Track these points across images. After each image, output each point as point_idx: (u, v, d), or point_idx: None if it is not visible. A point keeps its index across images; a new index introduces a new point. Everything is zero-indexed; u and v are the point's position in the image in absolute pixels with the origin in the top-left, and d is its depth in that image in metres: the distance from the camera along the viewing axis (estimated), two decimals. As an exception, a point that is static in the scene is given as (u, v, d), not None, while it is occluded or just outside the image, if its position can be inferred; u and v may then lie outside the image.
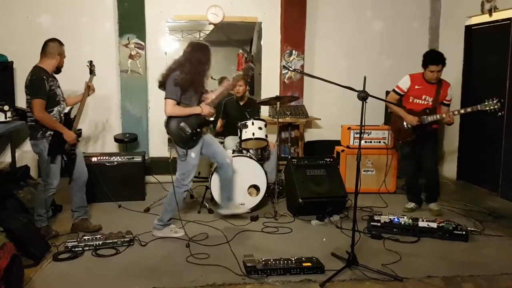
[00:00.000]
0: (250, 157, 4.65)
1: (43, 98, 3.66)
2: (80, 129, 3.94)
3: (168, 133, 3.81)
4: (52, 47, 3.82)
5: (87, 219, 4.14)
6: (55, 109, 3.79)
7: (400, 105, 4.56)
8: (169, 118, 3.75)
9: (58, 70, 3.90)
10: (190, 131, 3.74)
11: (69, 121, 3.89)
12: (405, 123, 4.54)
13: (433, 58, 4.38)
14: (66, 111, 3.92)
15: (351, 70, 6.22)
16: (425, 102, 4.49)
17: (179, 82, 3.64)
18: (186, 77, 3.64)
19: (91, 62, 4.15)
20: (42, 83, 3.67)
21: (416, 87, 4.50)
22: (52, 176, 3.80)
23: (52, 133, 3.75)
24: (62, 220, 4.34)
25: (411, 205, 4.76)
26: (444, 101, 4.52)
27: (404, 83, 4.56)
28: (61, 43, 3.89)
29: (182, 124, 3.72)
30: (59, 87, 3.88)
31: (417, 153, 4.66)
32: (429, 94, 4.47)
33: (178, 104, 3.72)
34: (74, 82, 4.33)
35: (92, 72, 4.13)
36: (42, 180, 3.85)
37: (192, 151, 3.81)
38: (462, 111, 4.33)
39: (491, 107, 4.13)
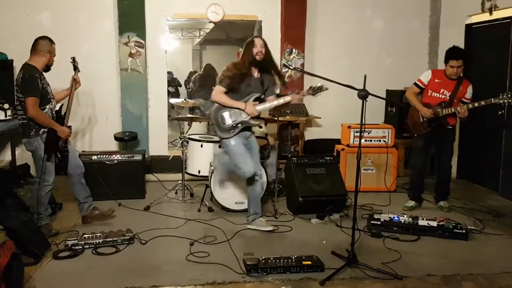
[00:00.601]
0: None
1: (37, 96, 3.65)
2: (70, 126, 3.94)
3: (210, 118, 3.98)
4: (42, 45, 3.80)
5: (97, 207, 4.17)
6: (47, 106, 3.79)
7: (419, 99, 4.63)
8: (215, 103, 3.89)
9: (47, 68, 3.89)
10: (229, 123, 3.84)
11: (60, 118, 3.88)
12: (420, 116, 4.56)
13: (454, 53, 4.43)
14: (57, 108, 3.91)
15: (351, 68, 6.20)
16: (443, 96, 4.52)
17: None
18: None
19: (74, 58, 4.13)
20: (35, 81, 3.66)
21: (436, 80, 4.55)
22: (48, 173, 3.80)
23: (46, 130, 3.74)
24: (62, 218, 4.34)
25: (411, 203, 4.76)
26: (463, 99, 4.52)
27: (426, 76, 4.62)
28: (51, 41, 3.87)
29: (224, 113, 3.85)
30: (48, 85, 3.87)
31: (430, 149, 4.71)
32: (447, 88, 4.50)
33: (226, 93, 3.86)
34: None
35: (76, 68, 4.11)
36: (38, 177, 3.84)
37: (230, 139, 3.88)
38: (476, 104, 4.30)
39: (505, 100, 4.14)
